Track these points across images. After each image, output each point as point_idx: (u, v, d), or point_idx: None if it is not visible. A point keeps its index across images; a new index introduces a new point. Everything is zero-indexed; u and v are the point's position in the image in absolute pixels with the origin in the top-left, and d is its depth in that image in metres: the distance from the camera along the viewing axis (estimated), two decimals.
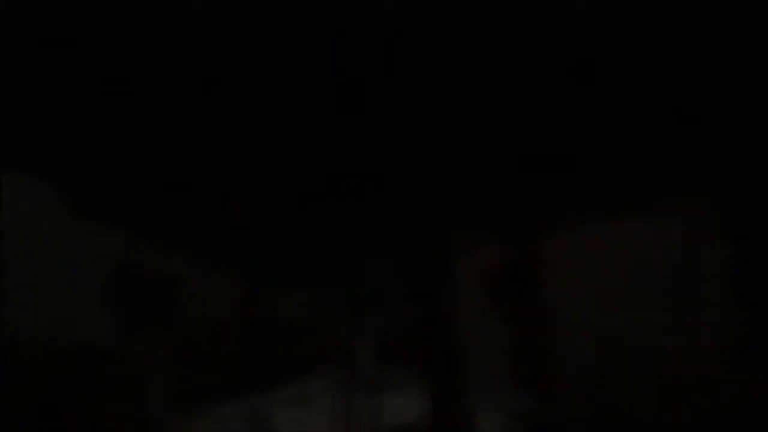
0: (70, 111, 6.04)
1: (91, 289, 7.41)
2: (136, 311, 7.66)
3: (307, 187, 6.79)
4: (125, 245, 7.69)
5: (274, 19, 4.99)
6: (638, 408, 6.69)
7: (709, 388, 6.54)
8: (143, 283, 7.76)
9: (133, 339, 7.49)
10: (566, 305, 7.32)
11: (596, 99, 5.91)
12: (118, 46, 5.17)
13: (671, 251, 7.07)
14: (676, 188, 6.98)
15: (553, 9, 5.15)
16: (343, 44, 5.18)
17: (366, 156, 6.28)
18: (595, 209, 7.24)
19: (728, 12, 5.06)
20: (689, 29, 5.28)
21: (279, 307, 8.19)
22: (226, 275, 8.26)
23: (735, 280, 6.65)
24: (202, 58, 5.52)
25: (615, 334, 7.05)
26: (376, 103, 5.27)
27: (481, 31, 5.18)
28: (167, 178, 6.96)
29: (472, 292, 7.64)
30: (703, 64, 5.55)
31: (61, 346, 6.89)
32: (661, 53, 5.58)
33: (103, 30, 5.09)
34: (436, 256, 7.69)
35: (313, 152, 7.05)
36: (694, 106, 5.99)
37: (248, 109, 5.66)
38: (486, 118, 6.01)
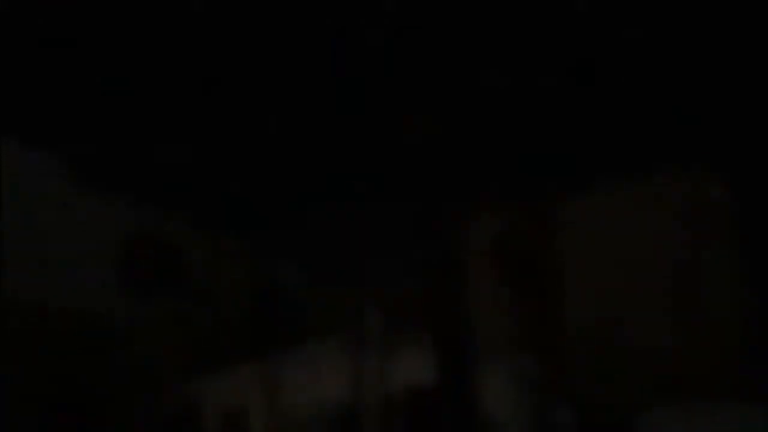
0: (75, 80, 6.10)
1: (100, 260, 7.51)
2: (147, 282, 7.78)
3: (317, 157, 6.84)
4: (135, 216, 7.78)
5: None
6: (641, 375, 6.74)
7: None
8: (154, 254, 7.87)
9: (144, 309, 7.61)
10: (573, 274, 7.36)
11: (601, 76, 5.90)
12: (126, 14, 5.21)
13: (678, 221, 7.07)
14: (685, 158, 6.96)
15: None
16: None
17: (371, 130, 6.32)
18: (604, 178, 7.24)
19: None
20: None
21: (287, 273, 8.29)
22: (234, 244, 8.36)
23: (743, 253, 6.64)
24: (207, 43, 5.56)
25: (619, 308, 7.09)
26: None
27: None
28: (175, 148, 7.01)
29: (480, 260, 7.71)
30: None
31: (69, 317, 7.00)
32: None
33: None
34: (444, 223, 7.74)
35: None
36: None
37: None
38: (492, 91, 6.02)
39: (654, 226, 7.24)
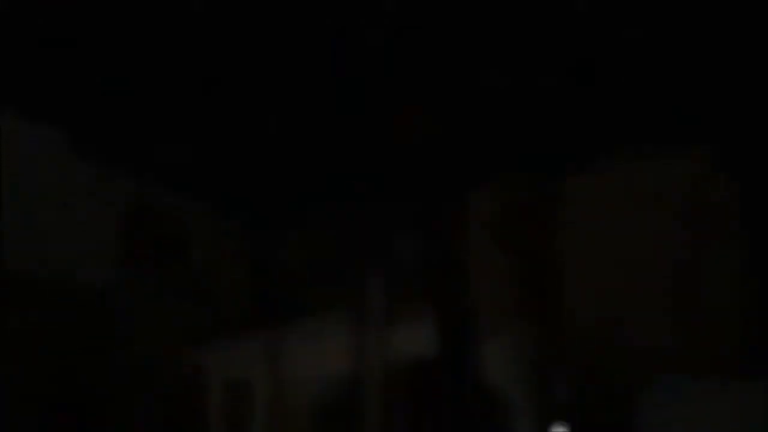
0: (76, 51, 6.00)
1: (101, 232, 7.49)
2: (148, 254, 7.77)
3: (318, 128, 6.79)
4: (136, 188, 7.73)
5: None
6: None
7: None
8: (153, 226, 7.85)
9: (144, 281, 7.62)
10: (575, 246, 7.41)
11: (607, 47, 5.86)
12: None
13: (681, 196, 7.10)
14: (688, 133, 6.97)
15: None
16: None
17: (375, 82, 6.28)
18: (606, 154, 7.24)
19: None
20: None
21: (289, 247, 8.30)
22: (235, 216, 8.34)
23: (746, 226, 6.69)
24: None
25: (620, 278, 7.16)
26: None
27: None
28: (177, 119, 6.94)
29: (482, 231, 7.75)
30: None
31: (70, 289, 6.99)
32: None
33: None
34: (446, 194, 7.75)
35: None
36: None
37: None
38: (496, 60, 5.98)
39: (654, 201, 7.27)
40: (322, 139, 7.18)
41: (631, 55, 5.76)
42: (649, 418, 6.69)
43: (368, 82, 5.79)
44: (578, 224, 7.45)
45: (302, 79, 5.94)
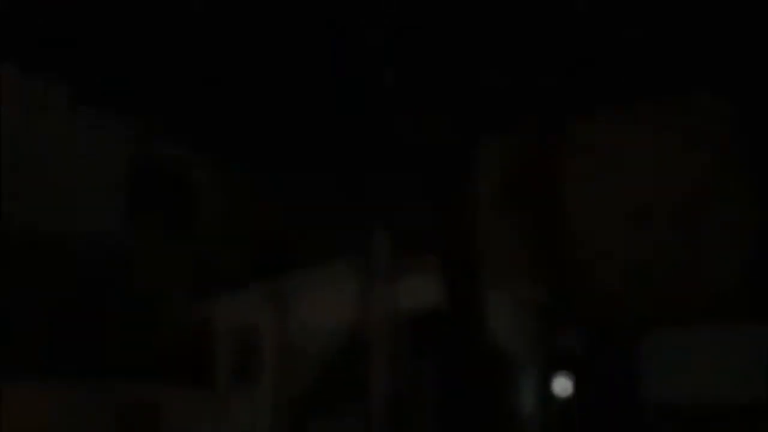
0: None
1: (107, 185, 7.47)
2: (153, 206, 7.77)
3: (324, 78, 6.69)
4: (140, 141, 7.68)
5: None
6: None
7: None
8: (160, 179, 7.82)
9: (151, 233, 7.64)
10: (582, 197, 7.38)
11: None
12: None
13: (684, 140, 7.04)
14: (693, 82, 6.86)
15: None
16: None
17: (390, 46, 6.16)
18: (612, 103, 7.14)
19: None
20: None
21: (295, 195, 8.27)
22: (239, 168, 8.29)
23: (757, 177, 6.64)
24: None
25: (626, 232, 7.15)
26: None
27: None
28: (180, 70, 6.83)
29: (491, 181, 7.71)
30: None
31: (76, 242, 7.02)
32: None
33: None
34: (455, 146, 7.67)
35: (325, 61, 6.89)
36: None
37: None
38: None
39: (663, 151, 7.17)
40: (330, 85, 7.05)
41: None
42: (651, 367, 6.74)
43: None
44: (583, 173, 7.38)
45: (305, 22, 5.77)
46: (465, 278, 7.47)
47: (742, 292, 6.61)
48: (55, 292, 6.69)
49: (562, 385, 6.92)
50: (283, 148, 7.88)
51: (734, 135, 6.85)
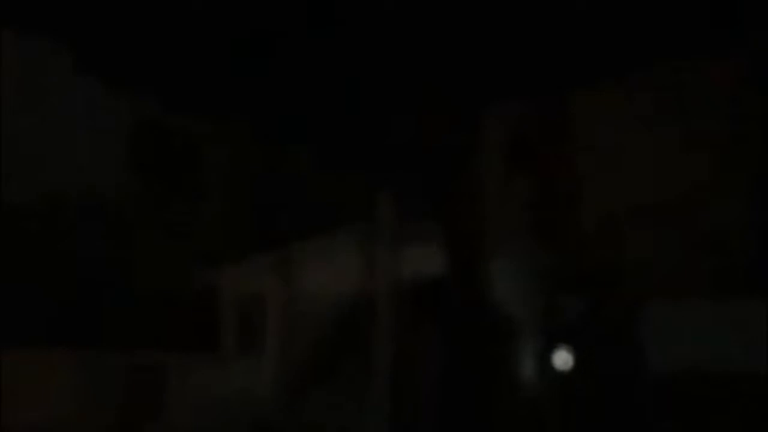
0: None
1: (112, 150, 7.53)
2: (158, 173, 7.82)
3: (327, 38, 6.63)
4: (142, 104, 7.70)
5: None
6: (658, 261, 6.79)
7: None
8: (164, 145, 7.87)
9: (155, 200, 7.71)
10: (587, 163, 7.28)
11: None
12: None
13: (693, 113, 6.88)
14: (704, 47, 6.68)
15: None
16: None
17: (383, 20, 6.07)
18: (616, 71, 7.00)
19: None
20: None
21: (300, 163, 8.29)
22: (244, 134, 8.30)
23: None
24: None
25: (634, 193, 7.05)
26: None
27: None
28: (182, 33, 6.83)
29: (494, 148, 7.64)
30: None
31: (82, 208, 7.11)
32: None
33: None
34: (458, 114, 7.59)
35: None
36: None
37: None
38: None
39: (670, 120, 7.00)
40: (331, 54, 6.99)
41: None
42: (652, 338, 6.70)
43: None
44: (588, 144, 7.25)
45: None
46: (467, 246, 7.44)
47: (740, 264, 6.51)
48: (55, 261, 6.81)
49: (563, 359, 6.88)
50: (287, 115, 7.85)
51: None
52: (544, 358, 6.98)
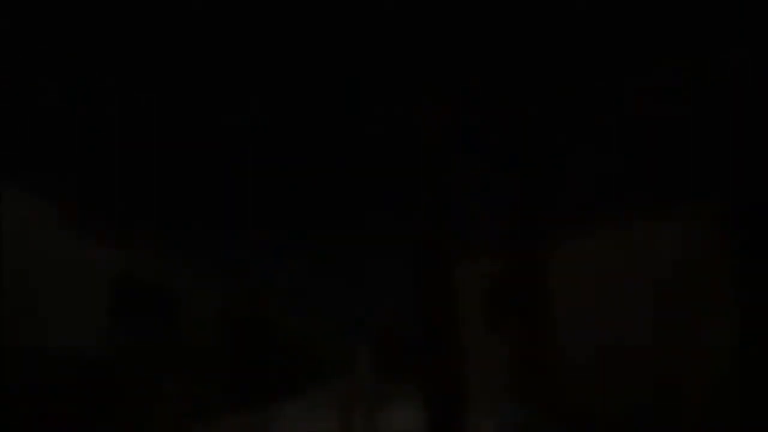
0: (68, 124, 6.26)
1: (94, 301, 7.43)
2: (138, 322, 7.66)
3: (308, 194, 6.89)
4: (127, 257, 7.77)
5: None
6: (639, 413, 6.42)
7: (709, 388, 6.27)
8: (145, 295, 7.80)
9: (135, 349, 7.45)
10: (567, 314, 7.21)
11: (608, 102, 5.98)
12: (114, 51, 5.40)
13: (671, 256, 6.99)
14: (681, 195, 6.95)
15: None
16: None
17: (366, 159, 6.40)
18: (593, 217, 7.19)
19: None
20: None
21: (278, 318, 8.16)
22: (225, 285, 8.27)
23: (738, 282, 6.51)
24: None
25: (616, 341, 6.90)
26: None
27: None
28: (167, 183, 7.06)
29: (472, 303, 7.58)
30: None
31: (64, 355, 6.86)
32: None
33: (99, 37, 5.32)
34: (436, 267, 7.65)
35: (313, 152, 7.21)
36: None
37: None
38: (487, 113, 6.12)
39: (646, 265, 7.23)
40: (311, 209, 7.35)
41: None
42: None
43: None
44: (567, 293, 7.40)
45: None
46: (447, 402, 7.15)
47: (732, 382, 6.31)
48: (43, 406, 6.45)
49: None
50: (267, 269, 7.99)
51: (719, 249, 6.94)
52: None
